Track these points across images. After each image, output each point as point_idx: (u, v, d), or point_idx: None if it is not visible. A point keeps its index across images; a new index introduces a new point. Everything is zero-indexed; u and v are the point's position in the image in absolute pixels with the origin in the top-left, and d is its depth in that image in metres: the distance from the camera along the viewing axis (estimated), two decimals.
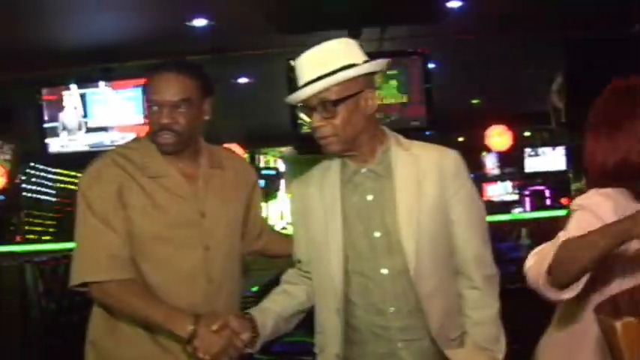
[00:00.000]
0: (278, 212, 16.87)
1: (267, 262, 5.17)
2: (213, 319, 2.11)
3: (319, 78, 1.96)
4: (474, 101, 9.56)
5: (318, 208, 2.12)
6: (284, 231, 8.17)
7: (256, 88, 7.84)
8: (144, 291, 2.19)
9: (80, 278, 2.18)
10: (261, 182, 11.57)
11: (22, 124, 7.07)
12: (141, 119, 5.96)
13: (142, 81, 5.86)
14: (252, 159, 12.22)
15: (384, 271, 2.04)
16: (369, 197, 2.07)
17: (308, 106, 2.02)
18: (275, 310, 2.20)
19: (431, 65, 5.62)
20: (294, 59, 6.05)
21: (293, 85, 5.89)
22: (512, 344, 2.14)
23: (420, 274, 2.01)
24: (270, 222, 15.90)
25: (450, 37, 5.80)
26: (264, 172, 12.27)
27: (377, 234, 2.05)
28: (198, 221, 2.27)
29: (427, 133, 5.38)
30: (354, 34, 5.22)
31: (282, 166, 14.76)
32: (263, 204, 13.14)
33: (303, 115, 2.10)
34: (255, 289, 4.13)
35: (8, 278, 5.07)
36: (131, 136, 5.88)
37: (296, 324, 2.29)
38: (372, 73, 2.07)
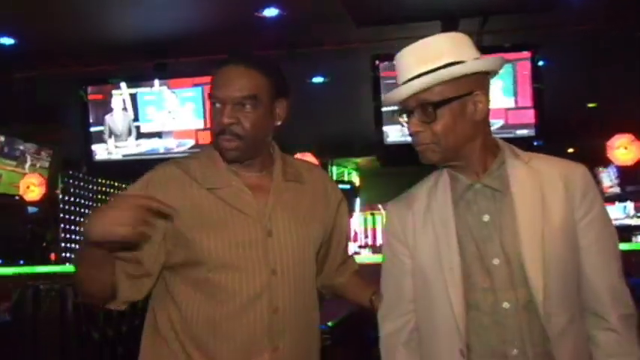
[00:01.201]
0: (352, 233, 16.92)
1: None
2: None
3: (420, 75, 1.94)
4: (590, 105, 9.38)
5: (428, 232, 2.08)
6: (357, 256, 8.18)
7: (334, 89, 7.90)
8: None
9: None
10: None
11: (64, 127, 7.27)
12: (201, 124, 6.03)
13: (202, 79, 5.99)
14: (325, 170, 12.24)
15: (506, 305, 1.98)
16: (486, 218, 2.03)
17: (406, 109, 2.01)
18: None
19: (540, 63, 5.48)
20: (378, 56, 6.10)
21: (378, 86, 5.93)
22: None
23: (549, 309, 1.94)
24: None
25: (562, 29, 5.70)
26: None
27: (496, 261, 2.00)
28: (264, 240, 2.24)
29: (535, 143, 5.27)
30: (449, 26, 5.21)
31: (358, 180, 14.79)
32: None
33: (400, 120, 2.07)
34: (331, 324, 4.13)
35: (46, 304, 5.15)
36: (189, 143, 6.01)
37: None
38: (484, 73, 2.03)
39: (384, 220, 2.26)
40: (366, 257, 7.76)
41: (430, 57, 1.95)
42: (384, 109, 5.57)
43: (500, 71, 2.11)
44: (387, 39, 5.55)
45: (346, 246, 2.62)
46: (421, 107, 1.96)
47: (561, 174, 2.03)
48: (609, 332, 2.01)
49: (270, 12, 5.57)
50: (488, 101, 2.01)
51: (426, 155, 2.02)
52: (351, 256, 2.68)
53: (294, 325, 2.26)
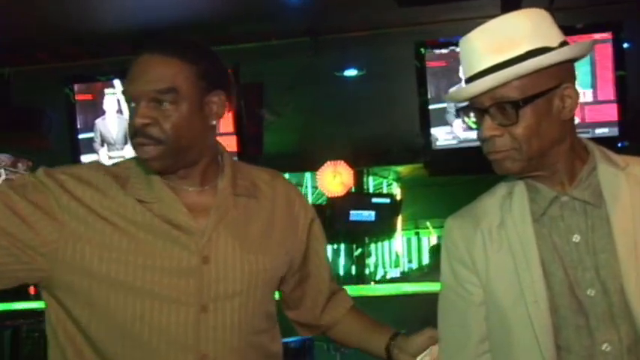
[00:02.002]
0: (393, 256, 16.93)
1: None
2: None
3: (496, 67, 1.89)
4: None
5: (503, 255, 2.03)
6: (397, 286, 8.12)
7: (369, 83, 7.88)
8: None
9: None
10: (371, 215, 11.62)
11: (46, 134, 7.30)
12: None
13: None
14: (359, 182, 12.24)
15: (605, 346, 1.94)
16: (576, 238, 1.99)
17: (477, 108, 1.96)
18: None
19: (624, 46, 5.30)
20: (423, 42, 6.13)
21: (424, 78, 5.94)
22: None
23: None
24: (382, 270, 16.01)
25: None
26: (374, 200, 12.26)
27: (590, 292, 1.96)
28: (197, 269, 2.14)
29: (619, 144, 5.07)
30: (511, 4, 5.16)
31: (399, 193, 14.77)
32: (372, 245, 13.07)
33: (467, 120, 2.04)
34: None
35: (27, 347, 5.18)
36: None
37: None
38: (571, 61, 1.97)
39: (444, 239, 2.19)
40: (409, 285, 7.72)
41: (507, 43, 1.89)
42: (432, 106, 5.52)
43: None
44: (434, 22, 5.55)
45: (331, 276, 2.56)
46: (498, 106, 1.90)
47: None
48: None
49: None
50: (577, 95, 1.94)
51: (505, 165, 1.96)
52: (343, 288, 2.63)
53: None
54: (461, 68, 2.02)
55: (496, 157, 1.96)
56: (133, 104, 2.10)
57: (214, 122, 2.20)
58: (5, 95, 6.92)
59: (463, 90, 1.95)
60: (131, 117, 2.10)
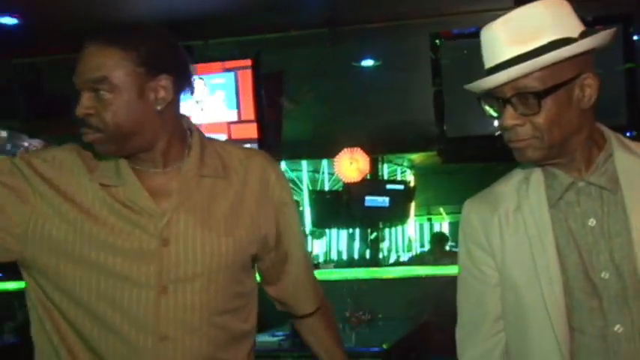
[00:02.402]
0: (406, 241, 16.95)
1: (401, 308, 5.22)
2: None
3: (518, 59, 1.85)
4: None
5: (519, 238, 2.02)
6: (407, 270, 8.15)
7: (385, 74, 7.90)
8: None
9: None
10: (385, 201, 11.63)
11: (76, 121, 7.36)
12: (234, 115, 6.04)
13: (234, 63, 6.02)
14: (375, 169, 12.24)
15: (618, 328, 1.92)
16: (591, 222, 1.97)
17: (499, 97, 1.92)
18: None
19: (635, 38, 5.27)
20: (438, 34, 6.08)
21: (439, 69, 5.90)
22: None
23: None
24: (397, 254, 16.01)
25: None
26: (388, 186, 12.27)
27: (604, 275, 1.94)
28: (157, 251, 2.08)
29: (628, 134, 5.01)
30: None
31: (413, 180, 14.78)
32: (386, 230, 12.96)
33: (487, 109, 1.99)
34: (385, 346, 4.15)
35: None
36: (221, 138, 6.02)
37: None
38: (591, 50, 1.91)
39: (462, 222, 2.18)
40: (421, 268, 7.74)
41: (529, 34, 1.86)
42: (446, 96, 5.53)
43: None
44: (449, 13, 5.54)
45: (306, 266, 2.45)
46: (519, 97, 1.88)
47: None
48: None
49: None
50: (597, 84, 1.90)
51: (526, 154, 1.94)
52: (300, 266, 2.44)
53: (190, 356, 2.12)
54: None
55: (519, 145, 1.94)
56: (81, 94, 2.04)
57: (159, 107, 2.08)
58: (37, 84, 6.97)
59: (487, 80, 1.91)
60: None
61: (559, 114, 1.88)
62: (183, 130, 2.19)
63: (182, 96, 2.15)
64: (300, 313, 2.44)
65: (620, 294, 1.93)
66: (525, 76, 1.85)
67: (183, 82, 2.13)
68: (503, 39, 1.88)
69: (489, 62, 1.92)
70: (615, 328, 1.93)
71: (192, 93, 2.15)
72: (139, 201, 2.09)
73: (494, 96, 1.93)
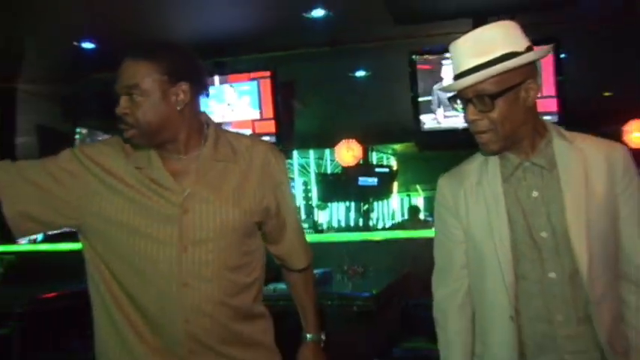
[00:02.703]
0: (391, 212, 16.93)
1: (387, 262, 5.24)
2: None
3: (477, 68, 1.88)
4: (606, 94, 9.23)
5: (480, 206, 2.05)
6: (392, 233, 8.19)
7: (375, 82, 7.89)
8: None
9: None
10: (375, 181, 11.62)
11: None
12: (257, 114, 6.03)
13: (257, 74, 6.02)
14: (366, 156, 12.23)
15: (552, 274, 1.96)
16: (534, 193, 2.00)
17: (463, 97, 1.96)
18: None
19: (562, 56, 5.32)
20: (415, 51, 6.06)
21: (415, 79, 5.88)
22: None
23: (592, 277, 1.92)
24: (383, 222, 16.01)
25: (579, 24, 5.61)
26: (377, 170, 12.28)
27: (543, 234, 1.97)
28: (179, 218, 2.10)
29: None
30: (480, 24, 5.15)
31: (395, 164, 14.76)
32: (375, 204, 12.83)
33: (456, 107, 2.02)
34: (375, 291, 4.16)
35: None
36: (247, 132, 6.03)
37: None
38: (533, 61, 1.97)
39: (437, 193, 2.20)
40: (401, 233, 7.74)
41: (485, 49, 1.88)
42: (420, 99, 5.53)
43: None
44: (423, 35, 5.54)
45: (299, 232, 2.43)
46: (478, 97, 1.91)
47: (603, 152, 1.99)
48: None
49: (317, 12, 5.54)
50: (538, 87, 1.95)
51: (489, 147, 1.98)
52: (295, 232, 2.42)
53: (208, 302, 2.12)
54: (443, 69, 2.01)
55: (481, 139, 1.97)
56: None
57: (179, 107, 2.09)
58: (108, 93, 6.96)
59: (453, 85, 1.95)
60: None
61: (509, 111, 1.91)
62: (201, 124, 2.19)
63: (200, 98, 2.17)
64: (293, 268, 2.43)
65: (554, 248, 1.96)
66: (482, 81, 1.88)
67: (199, 87, 2.15)
68: (465, 52, 1.91)
69: (456, 70, 1.94)
70: (550, 275, 1.96)
71: (207, 95, 2.17)
72: (162, 180, 2.11)
73: (460, 97, 1.96)
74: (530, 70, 1.93)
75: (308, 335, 2.46)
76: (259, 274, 2.29)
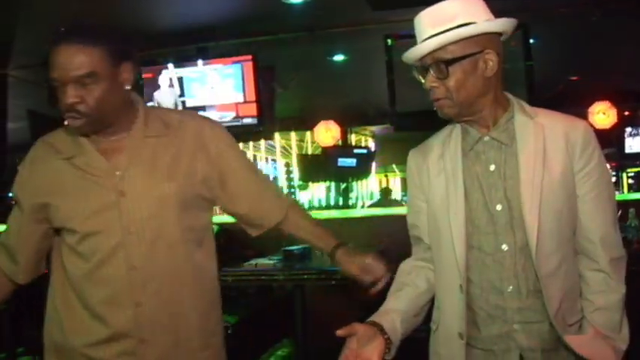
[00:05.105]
0: (369, 191, 16.98)
1: (365, 238, 5.28)
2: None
3: (434, 36, 1.86)
4: (572, 78, 9.29)
5: (440, 179, 2.03)
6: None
7: (352, 66, 7.89)
8: None
9: None
10: (353, 161, 11.64)
11: None
12: (241, 97, 5.98)
13: (241, 58, 6.00)
14: (345, 137, 12.24)
15: (504, 247, 1.94)
16: (492, 167, 1.97)
17: (422, 66, 1.93)
18: (400, 308, 2.05)
19: (531, 41, 5.29)
20: (390, 35, 6.04)
21: (391, 61, 5.85)
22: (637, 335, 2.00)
23: (541, 252, 1.90)
24: (361, 202, 16.07)
25: (547, 10, 5.64)
26: (355, 151, 12.30)
27: (498, 207, 1.95)
28: (116, 202, 2.03)
29: None
30: None
31: (373, 146, 14.77)
32: (354, 183, 12.85)
33: (417, 76, 1.98)
34: None
35: None
36: (231, 115, 6.01)
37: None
38: (496, 34, 1.93)
39: (406, 168, 2.18)
40: (377, 210, 7.78)
41: (444, 19, 1.87)
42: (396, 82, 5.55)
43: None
44: (397, 20, 5.55)
45: (258, 180, 2.33)
46: (435, 64, 1.89)
47: (564, 128, 1.96)
48: (598, 272, 1.98)
49: None
50: (499, 60, 1.92)
51: (444, 111, 1.97)
52: (287, 196, 2.42)
53: (156, 282, 2.06)
54: None
55: (437, 104, 1.96)
56: (60, 86, 1.96)
57: (128, 87, 2.05)
58: None
59: (412, 51, 1.94)
60: (61, 96, 1.96)
61: (465, 79, 1.90)
62: (130, 103, 2.11)
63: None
64: (272, 225, 2.30)
65: (509, 222, 1.94)
66: (439, 49, 1.88)
67: (136, 65, 2.08)
68: (426, 22, 1.90)
69: (418, 40, 1.92)
70: (502, 247, 1.95)
71: (140, 74, 2.12)
72: (93, 162, 2.05)
73: (421, 65, 1.94)
74: (491, 41, 1.91)
75: (335, 249, 2.27)
76: (211, 253, 2.23)
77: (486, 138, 1.99)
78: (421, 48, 1.90)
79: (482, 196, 1.97)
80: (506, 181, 1.95)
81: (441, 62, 1.89)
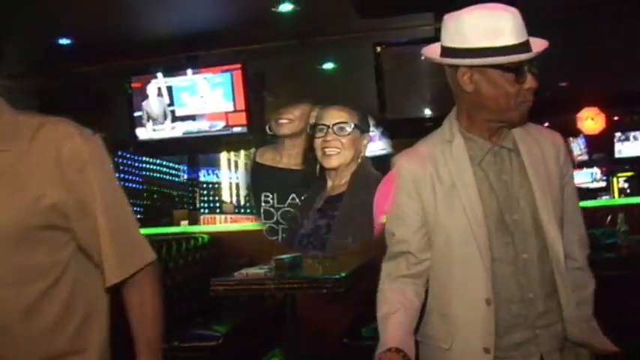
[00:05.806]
0: None
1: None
2: None
3: (527, 43, 1.83)
4: (561, 84, 9.32)
5: (449, 191, 1.96)
6: None
7: (342, 73, 7.88)
8: None
9: None
10: None
11: (115, 113, 7.32)
12: (231, 106, 5.97)
13: (230, 66, 5.99)
14: None
15: (525, 255, 1.93)
16: (505, 177, 1.96)
17: (520, 67, 1.85)
18: (408, 330, 1.99)
19: None
20: (378, 43, 6.01)
21: (380, 69, 5.80)
22: (610, 334, 2.03)
23: (560, 256, 1.94)
24: None
25: (535, 16, 5.65)
26: None
27: (515, 216, 1.94)
28: None
29: None
30: (440, 18, 5.16)
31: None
32: None
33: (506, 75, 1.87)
34: (343, 274, 4.15)
35: None
36: (221, 124, 5.99)
37: None
38: None
39: (398, 174, 2.03)
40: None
41: (523, 30, 1.85)
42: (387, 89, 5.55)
43: None
44: (386, 28, 5.56)
45: (110, 232, 1.69)
46: (534, 67, 1.87)
47: (550, 138, 2.03)
48: (577, 270, 2.05)
49: (285, 7, 5.55)
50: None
51: (525, 113, 1.92)
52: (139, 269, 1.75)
53: (11, 335, 1.60)
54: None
55: (527, 105, 1.89)
56: None
57: None
58: (87, 86, 6.96)
59: (525, 55, 1.84)
60: None
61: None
62: None
63: None
64: (106, 283, 1.72)
65: (526, 230, 1.94)
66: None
67: None
68: (516, 26, 1.84)
69: (507, 40, 1.83)
70: (524, 256, 1.93)
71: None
72: None
73: (517, 67, 1.85)
74: None
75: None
76: (68, 303, 1.68)
77: (496, 148, 1.97)
78: (530, 54, 1.84)
79: (498, 206, 1.95)
80: (519, 190, 1.95)
81: (532, 66, 1.87)
